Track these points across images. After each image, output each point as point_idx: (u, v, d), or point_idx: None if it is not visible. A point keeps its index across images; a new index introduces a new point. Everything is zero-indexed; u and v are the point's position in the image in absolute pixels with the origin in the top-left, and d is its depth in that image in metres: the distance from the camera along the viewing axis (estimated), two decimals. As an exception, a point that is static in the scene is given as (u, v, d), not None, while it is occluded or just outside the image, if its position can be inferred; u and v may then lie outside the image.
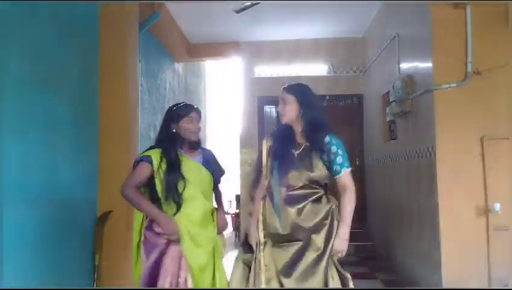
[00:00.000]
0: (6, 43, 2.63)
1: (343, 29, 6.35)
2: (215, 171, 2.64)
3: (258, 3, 4.43)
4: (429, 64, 3.76)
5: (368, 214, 6.44)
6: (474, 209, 3.55)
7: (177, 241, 2.35)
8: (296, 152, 2.30)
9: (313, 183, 2.27)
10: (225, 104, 10.83)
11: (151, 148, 2.52)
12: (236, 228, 7.19)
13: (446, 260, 3.51)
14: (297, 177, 2.25)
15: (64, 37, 3.32)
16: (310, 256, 2.20)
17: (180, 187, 2.39)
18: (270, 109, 7.02)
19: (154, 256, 2.37)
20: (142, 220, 2.49)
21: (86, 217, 3.65)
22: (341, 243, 2.23)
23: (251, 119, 6.86)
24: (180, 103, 2.59)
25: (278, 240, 2.27)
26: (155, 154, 2.42)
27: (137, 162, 2.46)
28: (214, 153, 2.73)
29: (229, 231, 8.33)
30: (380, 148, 5.66)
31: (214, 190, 2.65)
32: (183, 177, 2.41)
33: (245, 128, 6.90)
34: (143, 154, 2.46)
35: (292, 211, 2.23)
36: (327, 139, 2.26)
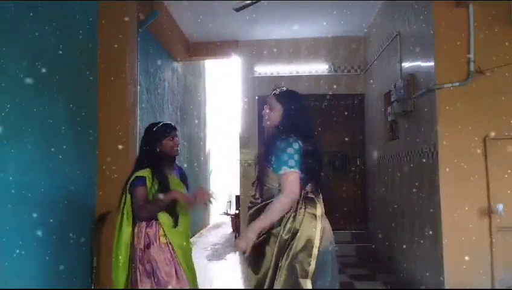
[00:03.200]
0: (3, 43, 2.59)
1: (344, 28, 6.30)
2: (187, 184, 2.82)
3: (258, 1, 4.39)
4: (431, 63, 3.72)
5: (369, 214, 6.39)
6: (476, 209, 3.51)
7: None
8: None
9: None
10: (225, 103, 10.78)
11: (138, 167, 2.62)
12: (236, 229, 7.13)
13: (448, 261, 3.47)
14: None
15: (62, 37, 3.28)
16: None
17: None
18: (270, 109, 6.96)
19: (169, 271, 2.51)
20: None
21: (84, 218, 3.62)
22: (240, 238, 2.00)
23: (251, 119, 6.81)
24: (158, 123, 2.74)
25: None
26: (148, 175, 2.56)
27: (132, 183, 2.56)
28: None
29: (228, 232, 8.32)
30: (381, 148, 5.62)
31: None
32: None
33: (245, 128, 6.86)
34: (137, 175, 2.56)
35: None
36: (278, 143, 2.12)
